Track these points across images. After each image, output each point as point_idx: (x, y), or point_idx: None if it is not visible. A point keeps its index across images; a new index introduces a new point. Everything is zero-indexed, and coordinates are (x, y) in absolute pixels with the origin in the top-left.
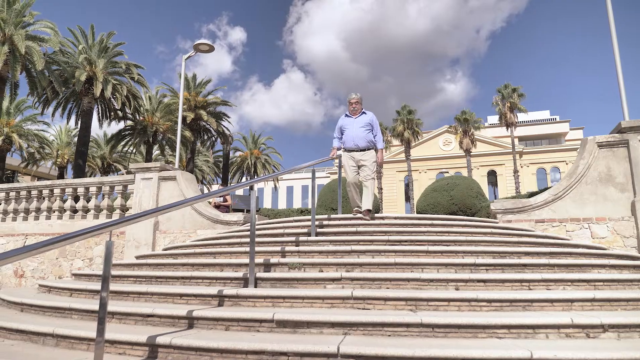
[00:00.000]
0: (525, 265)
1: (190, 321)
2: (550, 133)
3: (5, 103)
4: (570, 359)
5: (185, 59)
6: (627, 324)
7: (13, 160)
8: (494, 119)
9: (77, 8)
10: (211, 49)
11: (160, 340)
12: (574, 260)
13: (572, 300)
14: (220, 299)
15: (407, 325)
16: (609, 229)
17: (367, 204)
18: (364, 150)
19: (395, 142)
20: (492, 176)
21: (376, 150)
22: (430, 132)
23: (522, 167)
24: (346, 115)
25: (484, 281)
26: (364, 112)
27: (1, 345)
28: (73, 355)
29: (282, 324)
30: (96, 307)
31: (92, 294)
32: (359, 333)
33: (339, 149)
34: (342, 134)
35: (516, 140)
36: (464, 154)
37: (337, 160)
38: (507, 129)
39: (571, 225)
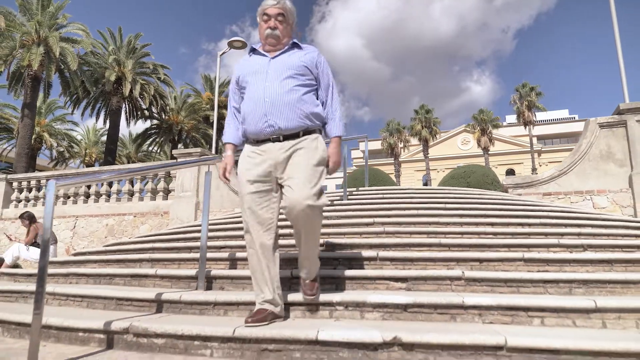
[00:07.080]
0: (529, 224)
1: None
2: (569, 132)
3: (38, 103)
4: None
5: (220, 55)
6: None
7: (40, 160)
8: (512, 118)
9: (104, 11)
10: (244, 45)
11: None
12: (574, 222)
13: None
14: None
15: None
16: (609, 199)
17: (308, 265)
18: (293, 137)
19: (414, 141)
20: (510, 175)
21: (325, 137)
22: (448, 132)
23: (540, 165)
24: (253, 52)
25: (494, 234)
26: (295, 45)
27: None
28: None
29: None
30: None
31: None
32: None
33: (237, 146)
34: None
35: (535, 139)
36: (482, 152)
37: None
38: (525, 128)
39: (575, 197)
